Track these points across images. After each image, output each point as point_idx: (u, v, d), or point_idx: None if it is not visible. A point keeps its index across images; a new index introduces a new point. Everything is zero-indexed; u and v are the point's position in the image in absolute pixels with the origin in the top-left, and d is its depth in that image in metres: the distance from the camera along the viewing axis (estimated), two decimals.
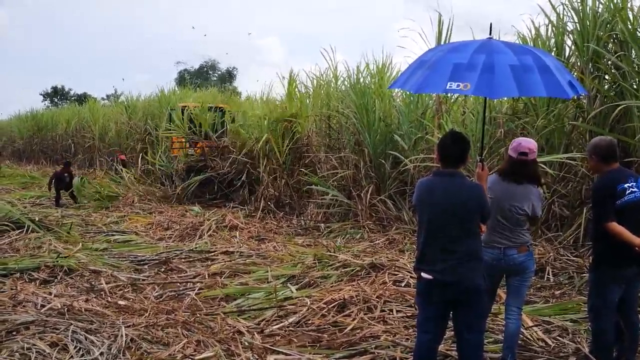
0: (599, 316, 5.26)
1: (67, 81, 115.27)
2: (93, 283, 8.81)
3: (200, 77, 61.53)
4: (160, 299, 8.29)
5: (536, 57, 4.85)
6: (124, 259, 10.57)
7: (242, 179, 17.31)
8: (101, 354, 5.84)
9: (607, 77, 10.38)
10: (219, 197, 17.82)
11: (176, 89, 30.94)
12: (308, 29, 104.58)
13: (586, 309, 5.93)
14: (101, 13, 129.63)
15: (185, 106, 21.15)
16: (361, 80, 15.04)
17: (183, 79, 53.66)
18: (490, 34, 5.29)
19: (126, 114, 29.27)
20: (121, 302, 7.86)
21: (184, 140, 20.26)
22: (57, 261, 9.62)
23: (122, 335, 6.22)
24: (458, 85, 4.63)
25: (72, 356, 5.78)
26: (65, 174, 18.43)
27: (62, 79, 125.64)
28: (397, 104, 14.21)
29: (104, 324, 6.72)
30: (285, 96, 17.56)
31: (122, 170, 21.75)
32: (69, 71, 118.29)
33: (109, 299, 8.06)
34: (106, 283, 8.75)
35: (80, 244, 11.47)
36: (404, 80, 5.21)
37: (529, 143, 5.38)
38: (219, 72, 68.09)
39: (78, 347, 5.97)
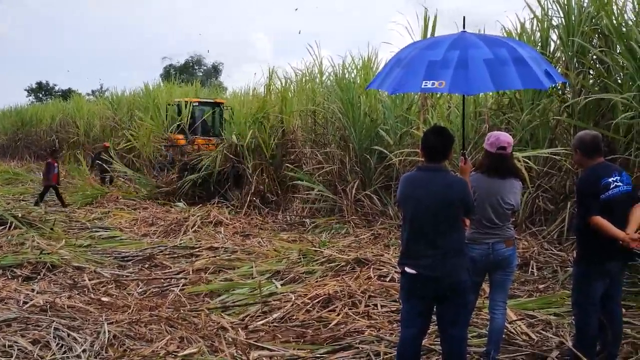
0: (582, 310, 5.27)
1: (51, 77, 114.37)
2: (76, 279, 8.76)
3: (185, 72, 61.32)
4: (144, 295, 8.26)
5: (511, 49, 4.81)
6: (108, 255, 10.52)
7: (228, 174, 17.13)
8: (84, 351, 5.81)
9: (591, 72, 10.39)
10: (215, 195, 17.04)
11: (161, 84, 30.79)
12: (297, 26, 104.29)
13: (570, 303, 5.95)
14: (87, 8, 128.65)
15: (183, 101, 20.94)
16: (346, 75, 15.02)
17: (169, 75, 53.42)
18: (464, 27, 5.24)
19: (111, 109, 29.13)
20: (104, 299, 7.83)
21: (181, 137, 20.01)
22: (40, 258, 9.56)
23: (104, 332, 6.19)
24: (433, 84, 4.59)
25: (54, 353, 5.75)
26: (55, 164, 17.51)
27: (47, 75, 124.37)
28: (383, 99, 14.20)
29: (86, 320, 6.70)
30: (265, 90, 17.51)
31: (103, 163, 21.17)
32: (54, 67, 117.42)
33: (92, 295, 8.02)
34: (89, 279, 8.71)
35: (64, 240, 11.40)
36: (380, 80, 5.17)
37: (507, 137, 5.35)
38: (205, 67, 67.91)
39: (60, 344, 5.94)
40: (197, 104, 21.84)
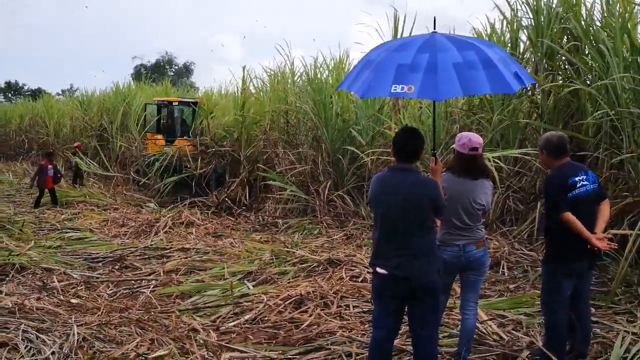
0: (551, 310, 5.31)
1: (21, 76, 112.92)
2: (45, 281, 8.63)
3: (157, 71, 60.91)
4: (114, 297, 8.18)
5: (479, 51, 4.78)
6: (78, 257, 10.39)
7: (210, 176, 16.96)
8: (52, 353, 5.74)
9: (560, 73, 10.49)
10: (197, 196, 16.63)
11: (132, 83, 30.55)
12: (268, 28, 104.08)
13: (540, 303, 5.99)
14: (58, 7, 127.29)
15: (163, 101, 20.65)
16: (318, 75, 15.02)
17: (139, 74, 52.99)
18: (434, 28, 5.24)
19: (81, 109, 28.86)
20: (74, 301, 7.72)
21: (160, 137, 19.69)
22: (9, 259, 9.42)
23: (74, 334, 6.11)
24: (402, 88, 4.55)
25: (22, 356, 5.68)
26: (49, 167, 16.99)
27: (16, 75, 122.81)
28: (355, 100, 14.22)
29: (55, 322, 6.61)
30: (240, 92, 17.46)
31: (76, 163, 20.61)
32: (23, 66, 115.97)
33: (62, 297, 7.91)
34: (59, 281, 8.59)
35: (33, 241, 11.23)
36: (351, 81, 5.12)
37: (478, 138, 5.38)
38: (176, 67, 67.58)
39: (29, 347, 5.86)
40: (176, 103, 21.29)
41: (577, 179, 5.16)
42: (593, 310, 6.63)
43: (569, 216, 5.05)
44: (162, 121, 20.53)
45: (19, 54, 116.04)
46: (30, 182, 17.47)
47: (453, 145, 5.52)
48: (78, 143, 22.56)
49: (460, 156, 5.34)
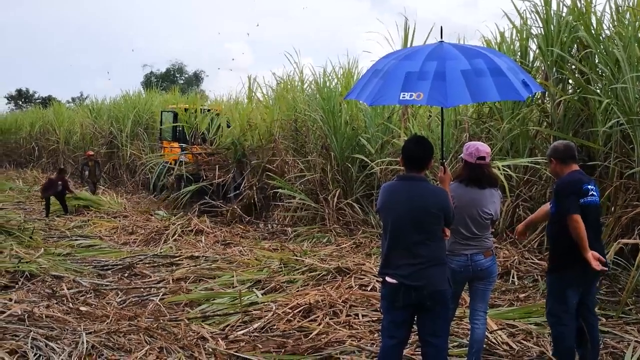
0: (558, 320, 5.27)
1: (32, 84, 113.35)
2: (55, 289, 8.67)
3: (167, 80, 61.11)
4: (123, 305, 8.20)
5: (488, 60, 4.81)
6: (87, 264, 10.44)
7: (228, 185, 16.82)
8: None
9: (570, 81, 10.46)
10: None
11: (142, 91, 30.67)
12: (279, 35, 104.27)
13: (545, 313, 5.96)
14: (69, 15, 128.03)
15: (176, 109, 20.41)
16: (327, 84, 15.04)
17: (149, 82, 53.17)
18: (441, 37, 5.24)
19: (91, 117, 28.97)
20: (83, 308, 7.74)
21: (176, 145, 19.38)
22: (18, 267, 9.46)
23: (83, 342, 6.11)
24: (411, 96, 4.58)
25: None
26: (59, 182, 17.16)
27: (28, 82, 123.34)
28: (364, 108, 14.21)
29: (64, 330, 6.62)
30: (247, 100, 17.44)
31: (87, 174, 20.58)
32: (34, 74, 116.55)
33: (71, 305, 7.94)
34: (68, 289, 8.62)
35: (43, 249, 11.30)
36: (358, 91, 5.14)
37: (485, 147, 5.38)
38: (186, 75, 67.77)
39: (38, 355, 5.87)
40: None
41: (589, 187, 5.14)
42: (603, 320, 6.60)
43: (579, 220, 5.01)
44: (178, 129, 20.22)
45: (30, 61, 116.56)
46: (42, 195, 17.52)
47: (461, 155, 5.51)
48: (90, 152, 22.22)
49: (468, 165, 5.34)
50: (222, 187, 16.88)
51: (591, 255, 4.99)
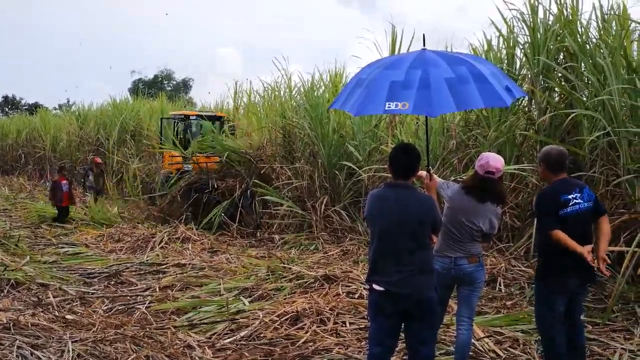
0: (546, 325, 5.27)
1: (18, 91, 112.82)
2: (40, 297, 8.61)
3: (154, 86, 60.93)
4: (110, 313, 8.15)
5: (470, 66, 4.83)
6: (73, 272, 10.38)
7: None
8: None
9: (557, 89, 10.52)
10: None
11: (129, 98, 30.58)
12: (267, 42, 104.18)
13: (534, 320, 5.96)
14: (56, 21, 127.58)
15: (180, 115, 19.65)
16: (315, 92, 15.04)
17: (137, 89, 52.98)
18: (424, 45, 5.26)
19: (77, 124, 28.84)
20: (69, 317, 7.69)
21: (177, 154, 18.32)
22: (4, 274, 9.38)
23: (69, 351, 6.10)
24: (397, 105, 4.60)
25: None
26: (64, 182, 16.69)
27: (14, 89, 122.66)
28: (351, 116, 14.20)
29: (50, 339, 6.58)
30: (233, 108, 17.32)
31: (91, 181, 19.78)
32: (21, 80, 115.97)
33: (57, 313, 7.87)
34: (54, 297, 8.57)
35: (28, 256, 11.20)
36: (343, 100, 5.14)
37: (497, 162, 5.27)
38: (174, 82, 67.63)
39: None
40: (194, 117, 19.74)
41: (570, 196, 5.12)
42: (590, 327, 6.62)
43: (558, 234, 5.03)
44: (178, 136, 19.57)
45: (16, 68, 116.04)
46: (51, 202, 17.13)
47: (475, 164, 5.48)
48: (98, 159, 21.10)
49: (476, 175, 5.35)
50: (240, 197, 15.85)
51: (586, 252, 4.98)
